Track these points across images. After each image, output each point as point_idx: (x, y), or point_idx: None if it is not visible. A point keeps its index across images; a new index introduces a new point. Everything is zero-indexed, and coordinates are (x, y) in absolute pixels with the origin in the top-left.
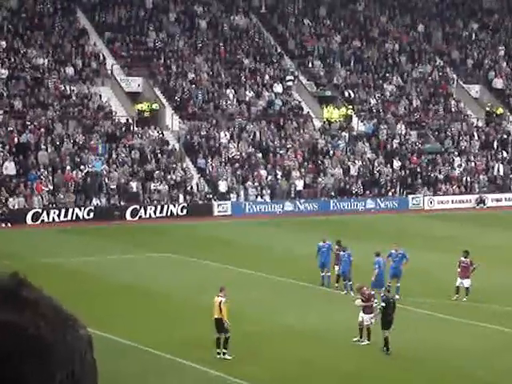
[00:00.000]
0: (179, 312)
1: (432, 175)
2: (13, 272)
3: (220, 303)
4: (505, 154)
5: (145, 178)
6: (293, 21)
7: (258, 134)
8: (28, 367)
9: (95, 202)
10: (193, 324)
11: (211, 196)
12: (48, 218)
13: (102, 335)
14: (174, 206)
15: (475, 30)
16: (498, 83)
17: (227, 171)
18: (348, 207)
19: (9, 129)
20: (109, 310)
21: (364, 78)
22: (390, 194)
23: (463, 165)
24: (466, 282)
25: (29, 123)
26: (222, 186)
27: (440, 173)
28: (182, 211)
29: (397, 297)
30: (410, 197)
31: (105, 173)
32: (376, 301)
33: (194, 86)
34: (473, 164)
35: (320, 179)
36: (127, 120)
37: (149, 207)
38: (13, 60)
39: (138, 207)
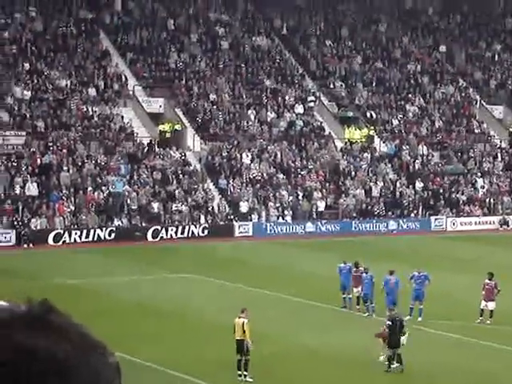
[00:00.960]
0: (197, 332)
1: (454, 196)
2: (42, 299)
3: (243, 324)
4: None
5: (166, 198)
6: (314, 42)
7: (279, 154)
8: None
9: (117, 222)
10: (210, 344)
11: (232, 217)
12: (70, 239)
13: (120, 355)
14: (196, 226)
15: (498, 50)
16: None
17: (248, 192)
18: (370, 228)
19: (31, 150)
20: (129, 329)
21: (386, 98)
22: (413, 215)
23: (486, 186)
24: (491, 305)
25: (51, 144)
26: (244, 207)
27: (463, 194)
28: (203, 232)
29: (419, 319)
30: (433, 218)
31: (126, 193)
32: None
33: (215, 106)
34: (496, 185)
35: (342, 200)
36: (150, 141)
37: (170, 228)
38: (36, 81)
39: (159, 228)
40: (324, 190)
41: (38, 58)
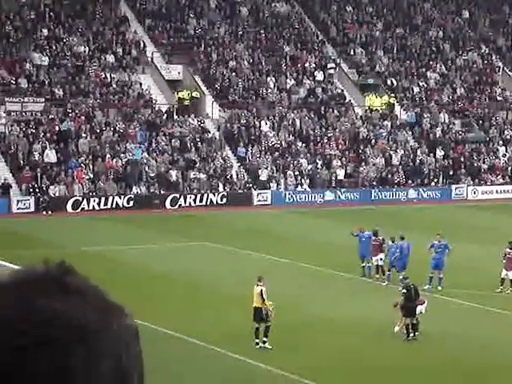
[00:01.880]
0: (215, 301)
1: (476, 165)
2: (60, 261)
3: (261, 292)
4: None
5: (185, 166)
6: (335, 8)
7: (298, 122)
8: (74, 355)
9: (135, 190)
10: (230, 313)
11: (251, 185)
12: (88, 206)
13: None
14: (214, 194)
15: None
16: None
17: (267, 160)
18: (390, 197)
19: (50, 116)
20: (147, 297)
21: (407, 65)
22: (433, 183)
23: (508, 154)
24: (511, 274)
25: (69, 111)
26: (262, 175)
27: (484, 162)
28: (221, 200)
29: (439, 288)
30: (453, 187)
31: (145, 161)
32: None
33: (234, 73)
34: None
35: (361, 168)
36: (168, 108)
37: (188, 196)
38: (54, 48)
39: (177, 196)
40: (343, 159)
41: (57, 23)
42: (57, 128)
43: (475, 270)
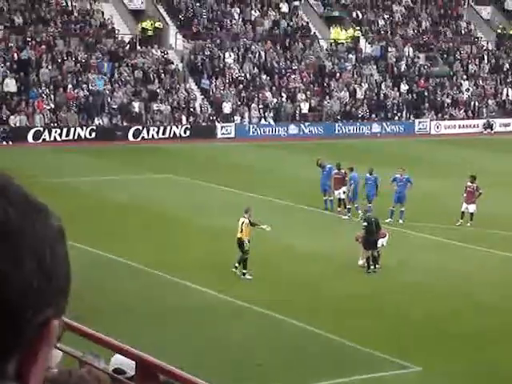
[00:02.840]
0: (179, 233)
1: (439, 99)
2: None
3: (242, 224)
4: None
5: (148, 98)
6: None
7: (263, 54)
8: None
9: (97, 121)
10: (192, 245)
11: (215, 118)
12: (50, 137)
13: (101, 253)
14: (177, 127)
15: None
16: (511, 4)
17: (231, 93)
18: (353, 131)
19: (9, 45)
20: (110, 228)
21: None
22: (397, 118)
23: (471, 89)
24: (471, 208)
25: (29, 39)
26: (226, 108)
27: (448, 97)
28: (184, 133)
29: (401, 221)
30: (417, 121)
31: (107, 92)
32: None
33: (198, 4)
34: (481, 88)
35: (326, 102)
36: (131, 39)
37: (151, 128)
38: None
39: (140, 128)
40: (308, 92)
41: None
42: (16, 56)
43: (436, 204)
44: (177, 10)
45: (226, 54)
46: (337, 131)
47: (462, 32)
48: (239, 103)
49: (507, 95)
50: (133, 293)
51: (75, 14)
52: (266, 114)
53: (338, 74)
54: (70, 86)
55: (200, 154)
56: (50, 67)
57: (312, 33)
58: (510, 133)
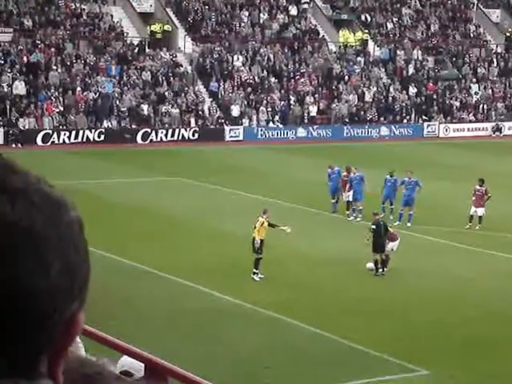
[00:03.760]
0: (187, 236)
1: (448, 102)
2: None
3: (258, 222)
4: None
5: (156, 100)
6: None
7: (271, 57)
8: (25, 261)
9: (106, 124)
10: (201, 248)
11: (223, 121)
12: (58, 140)
13: (110, 257)
14: (186, 129)
15: None
16: None
17: (240, 95)
18: (362, 134)
19: (19, 47)
20: (120, 231)
21: (381, 1)
22: (405, 120)
23: (480, 92)
24: (480, 211)
25: (39, 42)
26: (235, 111)
27: (456, 100)
28: (193, 135)
29: (409, 224)
30: (425, 124)
31: (116, 95)
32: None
33: (207, 7)
34: (490, 91)
35: (334, 105)
36: (140, 41)
37: (160, 131)
38: None
39: (149, 130)
40: (316, 95)
41: None
42: (25, 59)
43: (445, 207)
44: (186, 13)
45: (235, 57)
46: (345, 134)
47: (471, 35)
48: (248, 106)
49: None
50: (142, 296)
51: (84, 16)
52: (275, 116)
53: (346, 77)
54: (78, 88)
55: (208, 157)
56: (59, 70)
57: (321, 36)
58: None
